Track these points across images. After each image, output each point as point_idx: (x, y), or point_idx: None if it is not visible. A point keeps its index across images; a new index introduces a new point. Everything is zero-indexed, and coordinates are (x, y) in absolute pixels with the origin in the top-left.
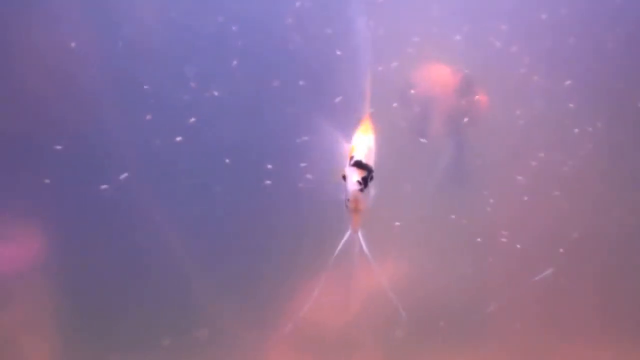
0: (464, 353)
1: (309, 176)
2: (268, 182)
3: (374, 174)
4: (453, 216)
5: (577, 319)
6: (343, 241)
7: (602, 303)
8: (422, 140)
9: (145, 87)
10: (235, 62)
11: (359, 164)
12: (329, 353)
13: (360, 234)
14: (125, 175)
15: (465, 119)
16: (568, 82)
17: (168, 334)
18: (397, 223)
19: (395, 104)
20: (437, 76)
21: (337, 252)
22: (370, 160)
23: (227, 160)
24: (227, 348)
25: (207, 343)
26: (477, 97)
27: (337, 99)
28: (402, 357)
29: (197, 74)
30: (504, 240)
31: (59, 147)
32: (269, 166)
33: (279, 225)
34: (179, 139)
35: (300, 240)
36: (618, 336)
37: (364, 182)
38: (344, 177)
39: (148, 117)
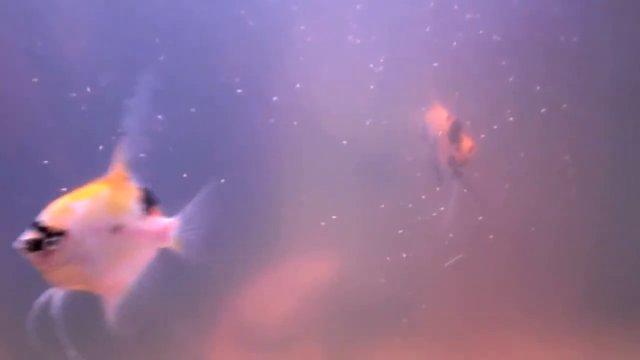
0: (396, 342)
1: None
2: (185, 175)
3: None
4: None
5: (505, 306)
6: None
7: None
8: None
9: None
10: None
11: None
12: (266, 347)
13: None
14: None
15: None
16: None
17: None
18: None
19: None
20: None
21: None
22: None
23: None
24: (159, 345)
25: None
26: (463, 142)
27: None
28: (338, 349)
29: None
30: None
31: None
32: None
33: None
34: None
35: (239, 237)
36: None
37: None
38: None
39: None
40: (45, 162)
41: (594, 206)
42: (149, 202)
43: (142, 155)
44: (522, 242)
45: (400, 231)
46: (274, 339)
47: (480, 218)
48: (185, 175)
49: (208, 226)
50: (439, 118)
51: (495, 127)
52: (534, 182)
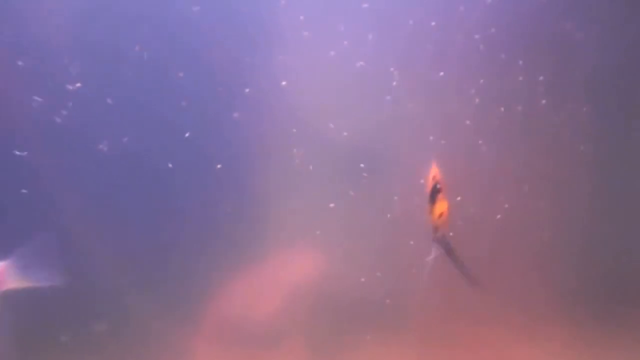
0: (382, 338)
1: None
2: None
3: None
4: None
5: (491, 303)
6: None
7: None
8: None
9: None
10: None
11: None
12: (252, 344)
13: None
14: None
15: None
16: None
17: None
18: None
19: None
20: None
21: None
22: None
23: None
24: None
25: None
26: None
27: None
28: (324, 345)
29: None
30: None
31: None
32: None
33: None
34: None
35: (223, 233)
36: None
37: None
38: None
39: None
40: None
41: (581, 202)
42: None
43: None
44: (509, 238)
45: (387, 228)
46: (259, 335)
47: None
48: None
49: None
50: (430, 176)
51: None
52: (518, 178)
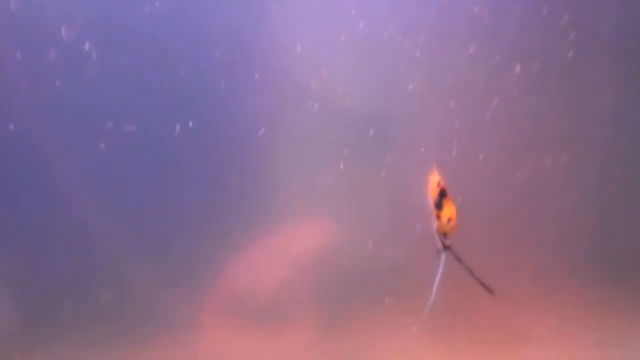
0: (391, 308)
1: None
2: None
3: None
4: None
5: (503, 272)
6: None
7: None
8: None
9: None
10: None
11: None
12: (260, 315)
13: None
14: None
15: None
16: None
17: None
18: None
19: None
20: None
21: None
22: None
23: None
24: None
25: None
26: (443, 211)
27: None
28: (332, 316)
29: None
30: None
31: None
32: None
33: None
34: None
35: (230, 203)
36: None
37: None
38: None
39: None
40: None
41: (595, 166)
42: None
43: None
44: (522, 207)
45: (395, 197)
46: (267, 307)
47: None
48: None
49: None
50: (432, 183)
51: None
52: (534, 142)
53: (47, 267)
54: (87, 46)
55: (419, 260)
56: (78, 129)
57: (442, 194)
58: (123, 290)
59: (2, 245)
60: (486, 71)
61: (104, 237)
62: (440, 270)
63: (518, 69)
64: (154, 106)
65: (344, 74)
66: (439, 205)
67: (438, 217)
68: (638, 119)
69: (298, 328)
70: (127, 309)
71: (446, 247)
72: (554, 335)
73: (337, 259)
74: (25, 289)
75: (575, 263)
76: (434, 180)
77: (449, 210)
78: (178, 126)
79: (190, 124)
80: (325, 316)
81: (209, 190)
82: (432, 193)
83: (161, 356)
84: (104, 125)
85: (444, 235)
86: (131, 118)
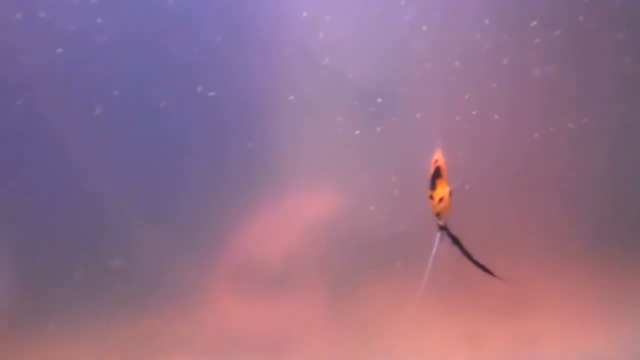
0: (399, 274)
1: None
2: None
3: None
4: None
5: (511, 237)
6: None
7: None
8: None
9: None
10: None
11: None
12: (268, 282)
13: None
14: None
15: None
16: None
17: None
18: None
19: None
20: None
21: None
22: None
23: None
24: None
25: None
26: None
27: None
28: (340, 282)
29: None
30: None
31: None
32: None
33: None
34: None
35: (239, 169)
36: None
37: None
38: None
39: None
40: None
41: (602, 130)
42: None
43: None
44: (528, 173)
45: (403, 164)
46: (275, 273)
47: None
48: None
49: None
50: (432, 162)
51: None
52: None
53: (56, 234)
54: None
55: (426, 227)
56: (86, 93)
57: (437, 173)
58: (132, 257)
59: (12, 213)
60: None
61: (113, 204)
62: (434, 249)
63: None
64: (164, 72)
65: (352, 40)
66: (433, 185)
67: (431, 197)
68: None
69: (306, 294)
70: (136, 275)
71: (441, 228)
72: (560, 304)
73: (345, 226)
74: (35, 256)
75: (583, 230)
76: (434, 158)
77: (441, 190)
78: (186, 91)
79: (200, 88)
80: (333, 282)
81: (219, 157)
82: (430, 171)
83: (170, 322)
84: (111, 89)
85: (437, 215)
86: (145, 82)
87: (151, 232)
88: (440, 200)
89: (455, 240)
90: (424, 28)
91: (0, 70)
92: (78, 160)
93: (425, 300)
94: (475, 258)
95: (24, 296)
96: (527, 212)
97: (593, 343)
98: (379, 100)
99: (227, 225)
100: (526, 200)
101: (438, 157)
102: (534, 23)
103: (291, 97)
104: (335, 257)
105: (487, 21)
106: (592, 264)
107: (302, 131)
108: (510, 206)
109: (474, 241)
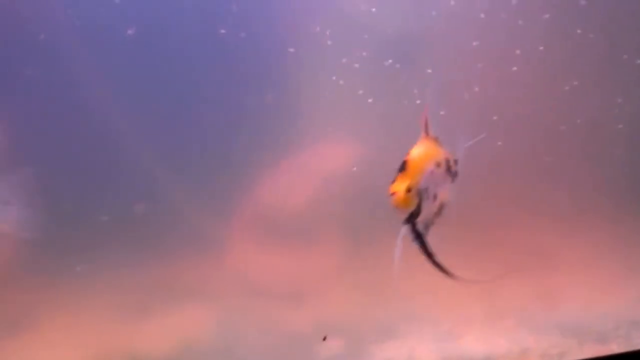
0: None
1: None
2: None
3: None
4: None
5: (529, 195)
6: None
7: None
8: None
9: None
10: None
11: None
12: (286, 233)
13: None
14: None
15: None
16: None
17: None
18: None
19: None
20: None
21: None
22: None
23: None
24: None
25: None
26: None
27: None
28: (357, 234)
29: None
30: None
31: None
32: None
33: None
34: None
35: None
36: None
37: None
38: None
39: None
40: None
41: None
42: None
43: None
44: (557, 133)
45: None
46: (293, 224)
47: None
48: None
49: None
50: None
51: None
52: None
53: (87, 182)
54: None
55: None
56: (106, 38)
57: (402, 167)
58: (156, 204)
59: (43, 163)
60: None
61: (138, 154)
62: (398, 244)
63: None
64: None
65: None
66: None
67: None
68: None
69: (324, 246)
70: (159, 220)
71: (405, 222)
72: (582, 261)
73: (364, 179)
74: (66, 201)
75: (608, 189)
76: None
77: (396, 185)
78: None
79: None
80: (350, 234)
81: (240, 110)
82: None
83: (189, 266)
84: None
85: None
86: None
87: (174, 181)
88: (392, 194)
89: (418, 237)
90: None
91: None
92: (106, 115)
93: (445, 254)
94: (436, 259)
95: (57, 240)
96: (552, 171)
97: (613, 300)
98: (398, 57)
99: (248, 176)
100: (552, 159)
101: (412, 152)
102: None
103: (291, 49)
104: (352, 209)
105: None
106: (615, 222)
107: (321, 85)
108: (537, 164)
109: (503, 198)
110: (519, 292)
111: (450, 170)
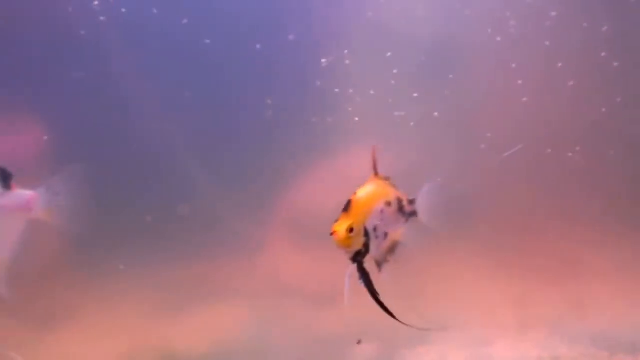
0: (453, 237)
1: None
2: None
3: None
4: None
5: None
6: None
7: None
8: None
9: None
10: None
11: None
12: (320, 236)
13: None
14: None
15: None
16: None
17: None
18: None
19: None
20: None
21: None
22: None
23: None
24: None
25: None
26: None
27: None
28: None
29: None
30: None
31: None
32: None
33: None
34: None
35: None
36: None
37: None
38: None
39: None
40: None
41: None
42: (5, 178)
43: None
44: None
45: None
46: (328, 228)
47: None
48: None
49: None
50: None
51: None
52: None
53: (133, 182)
54: None
55: (478, 188)
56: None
57: (346, 207)
58: (197, 206)
59: (94, 162)
60: None
61: (182, 158)
62: (346, 284)
63: None
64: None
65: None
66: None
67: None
68: None
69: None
70: (199, 222)
71: (352, 260)
72: (612, 270)
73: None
74: (113, 201)
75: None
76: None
77: (338, 225)
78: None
79: (258, 46)
80: None
81: (276, 115)
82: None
83: (224, 265)
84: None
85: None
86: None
87: (213, 185)
88: (332, 233)
89: (364, 276)
90: None
91: None
92: (152, 122)
93: (476, 260)
94: (380, 298)
95: (102, 237)
96: (588, 179)
97: None
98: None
99: (282, 182)
100: (588, 167)
101: (358, 192)
102: None
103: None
104: None
105: None
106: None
107: (358, 90)
108: (572, 173)
109: (532, 205)
110: (551, 301)
111: (402, 210)
